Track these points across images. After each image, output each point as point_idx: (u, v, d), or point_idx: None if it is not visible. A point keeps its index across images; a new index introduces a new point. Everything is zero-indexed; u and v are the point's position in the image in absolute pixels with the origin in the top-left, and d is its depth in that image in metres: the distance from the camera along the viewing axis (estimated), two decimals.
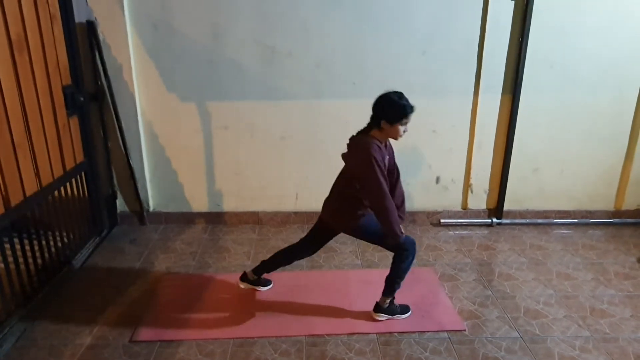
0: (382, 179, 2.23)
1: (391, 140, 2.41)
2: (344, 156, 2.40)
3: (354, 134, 2.38)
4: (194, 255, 3.29)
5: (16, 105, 2.47)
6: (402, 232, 2.32)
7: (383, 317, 2.56)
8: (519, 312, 2.66)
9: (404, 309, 2.61)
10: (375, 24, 3.32)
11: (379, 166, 2.22)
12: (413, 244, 2.44)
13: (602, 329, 2.51)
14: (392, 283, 2.51)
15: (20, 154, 2.49)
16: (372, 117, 2.29)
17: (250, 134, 3.56)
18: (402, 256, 2.43)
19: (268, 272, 2.78)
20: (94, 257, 3.29)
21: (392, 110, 2.21)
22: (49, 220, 2.84)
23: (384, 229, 2.30)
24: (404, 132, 2.27)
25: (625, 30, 3.34)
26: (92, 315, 2.63)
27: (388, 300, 2.55)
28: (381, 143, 2.30)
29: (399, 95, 2.23)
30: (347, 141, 2.38)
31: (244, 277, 2.82)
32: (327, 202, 2.52)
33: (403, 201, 2.53)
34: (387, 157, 2.33)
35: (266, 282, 2.85)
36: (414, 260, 2.48)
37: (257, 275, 2.79)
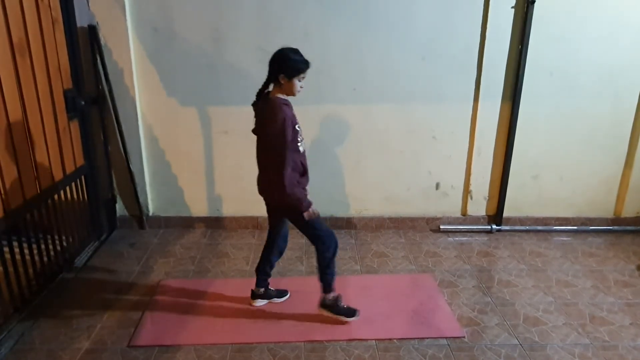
0: (287, 139, 2.23)
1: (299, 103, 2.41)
2: (255, 129, 2.39)
3: (255, 100, 2.37)
4: (193, 260, 3.29)
5: (17, 109, 2.48)
6: (305, 200, 2.31)
7: (325, 312, 2.57)
8: (518, 319, 2.66)
9: (349, 312, 2.58)
10: (376, 30, 3.33)
11: (287, 123, 2.23)
12: (330, 234, 2.46)
13: (602, 337, 2.50)
14: (322, 276, 2.53)
15: (20, 157, 2.49)
16: (270, 74, 2.30)
17: (251, 138, 3.54)
18: (323, 247, 2.45)
19: (266, 278, 2.74)
20: (93, 261, 3.28)
21: (289, 65, 2.25)
22: (48, 224, 2.84)
23: (290, 202, 2.29)
24: (301, 87, 2.31)
25: (624, 38, 3.35)
26: (90, 319, 2.62)
27: (330, 296, 2.55)
28: (286, 99, 2.32)
29: (295, 51, 2.30)
30: (254, 106, 2.38)
31: (253, 296, 2.76)
32: (258, 178, 2.49)
33: (305, 166, 2.45)
34: (295, 116, 2.34)
35: (281, 293, 2.80)
36: (337, 253, 2.49)
37: (263, 288, 2.75)
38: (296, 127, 2.32)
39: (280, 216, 2.60)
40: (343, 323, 2.56)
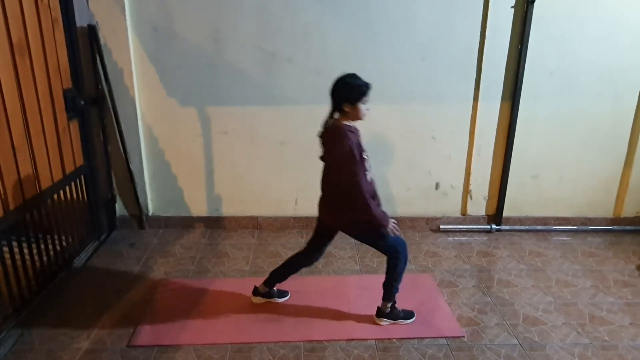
0: (359, 164, 2.23)
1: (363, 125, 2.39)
2: (323, 156, 2.40)
3: (321, 130, 2.36)
4: (193, 260, 3.29)
5: (16, 108, 2.48)
6: (386, 217, 2.31)
7: (385, 322, 2.56)
8: (518, 319, 2.66)
9: (408, 315, 2.60)
10: (376, 30, 3.33)
11: (353, 149, 2.22)
12: (404, 245, 2.44)
13: (601, 337, 2.51)
14: (389, 287, 2.51)
15: (20, 157, 2.49)
16: (333, 104, 2.30)
17: (250, 138, 3.57)
18: (395, 259, 2.43)
19: (279, 282, 2.73)
20: (93, 261, 3.28)
21: (351, 92, 2.24)
22: (48, 224, 2.83)
23: (370, 219, 2.29)
24: (367, 110, 2.29)
25: (624, 38, 3.36)
26: (90, 319, 2.62)
27: (389, 305, 2.55)
28: (352, 127, 2.30)
29: (354, 76, 2.28)
30: (319, 139, 2.37)
31: (255, 292, 2.77)
32: (320, 201, 2.50)
33: (375, 191, 2.45)
34: (361, 140, 2.33)
35: (281, 294, 2.80)
36: (407, 264, 2.48)
37: (268, 287, 2.74)
38: (363, 154, 2.29)
39: (332, 236, 2.58)
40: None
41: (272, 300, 2.77)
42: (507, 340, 2.47)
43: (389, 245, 2.41)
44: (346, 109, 2.25)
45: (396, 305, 2.57)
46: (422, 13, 3.30)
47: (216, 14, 3.28)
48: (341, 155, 2.23)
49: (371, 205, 2.26)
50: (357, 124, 2.34)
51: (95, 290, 2.93)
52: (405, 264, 2.46)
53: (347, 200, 2.31)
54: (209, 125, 3.54)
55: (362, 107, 2.26)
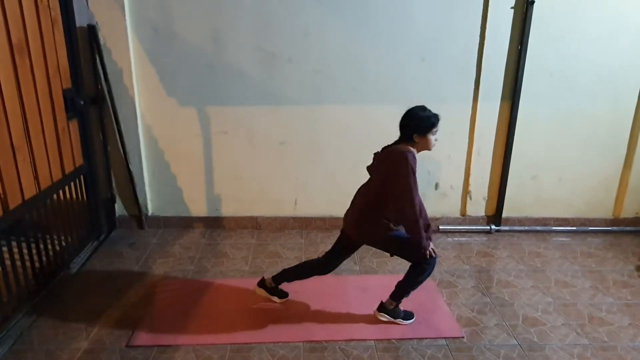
0: (415, 190, 2.27)
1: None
2: (371, 168, 2.44)
3: (385, 146, 2.40)
4: (192, 260, 3.29)
5: (16, 108, 2.48)
6: (429, 243, 2.35)
7: (385, 317, 2.58)
8: (517, 319, 2.66)
9: (408, 315, 2.61)
10: (375, 30, 3.33)
11: (414, 176, 2.26)
12: (435, 260, 2.45)
13: (601, 337, 2.51)
14: (402, 290, 2.52)
15: (19, 157, 2.49)
16: (403, 134, 2.35)
17: (250, 139, 3.57)
18: (422, 269, 2.44)
19: (287, 281, 2.73)
20: (92, 261, 3.28)
21: (420, 123, 2.29)
22: (47, 224, 2.83)
23: (414, 241, 2.32)
24: (435, 140, 2.34)
25: (624, 38, 3.36)
26: (89, 319, 2.62)
27: (394, 304, 2.57)
28: (415, 155, 2.32)
29: (423, 108, 2.35)
30: (378, 153, 2.41)
31: (261, 283, 2.76)
32: (349, 214, 2.52)
33: (425, 214, 2.49)
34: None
35: (282, 294, 2.79)
36: (429, 277, 2.49)
37: (275, 284, 2.75)
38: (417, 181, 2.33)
39: (355, 249, 2.61)
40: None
41: (273, 298, 2.77)
42: (507, 340, 2.47)
43: (420, 255, 2.41)
44: (416, 140, 2.30)
45: (400, 305, 2.58)
46: (421, 13, 3.30)
47: (216, 14, 3.28)
48: (401, 174, 2.25)
49: (419, 223, 2.30)
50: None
51: (95, 290, 2.93)
52: (429, 275, 2.47)
53: (380, 218, 2.37)
54: (209, 126, 3.54)
55: (431, 137, 2.31)
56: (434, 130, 2.31)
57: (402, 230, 2.40)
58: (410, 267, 2.48)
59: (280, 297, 2.78)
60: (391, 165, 2.32)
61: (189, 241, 3.57)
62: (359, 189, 2.51)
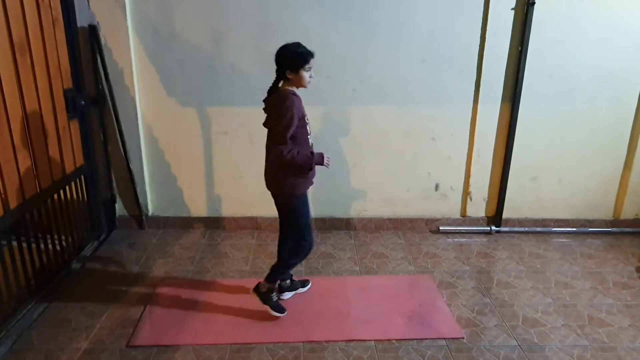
0: (290, 131, 2.26)
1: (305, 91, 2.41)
2: (266, 122, 2.43)
3: (266, 97, 2.41)
4: (193, 260, 3.29)
5: (17, 108, 2.48)
6: (312, 158, 2.34)
7: (256, 298, 2.60)
8: (517, 320, 2.66)
9: (278, 308, 2.61)
10: (375, 31, 3.33)
11: (293, 109, 2.25)
12: (311, 246, 2.52)
13: (601, 338, 2.51)
14: (275, 272, 2.58)
15: (20, 157, 2.49)
16: (277, 71, 2.34)
17: (250, 139, 3.57)
18: (302, 242, 2.49)
19: (280, 277, 2.71)
20: (92, 261, 3.28)
21: (292, 58, 2.27)
22: (47, 224, 2.84)
23: (304, 167, 2.34)
24: (311, 77, 2.32)
25: (623, 41, 3.36)
26: (89, 319, 2.62)
27: (267, 287, 2.59)
28: (296, 95, 2.33)
29: (297, 44, 2.31)
30: (265, 99, 2.42)
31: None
32: (265, 173, 2.52)
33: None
34: (303, 108, 2.36)
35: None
36: (302, 261, 2.59)
37: (286, 279, 2.80)
38: (305, 118, 2.34)
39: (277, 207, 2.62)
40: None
41: (282, 297, 2.78)
42: (506, 341, 2.48)
43: (297, 235, 2.48)
44: (289, 77, 2.30)
45: (275, 293, 2.62)
46: (422, 15, 3.31)
47: (216, 15, 3.28)
48: (279, 114, 2.27)
49: (295, 157, 2.29)
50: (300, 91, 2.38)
51: (95, 290, 2.92)
52: (303, 258, 2.55)
53: (286, 172, 2.39)
54: (209, 126, 3.54)
55: (305, 74, 2.29)
56: (307, 67, 2.27)
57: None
58: (283, 248, 2.55)
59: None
60: (272, 108, 2.35)
61: (189, 241, 3.57)
62: (266, 142, 2.47)
